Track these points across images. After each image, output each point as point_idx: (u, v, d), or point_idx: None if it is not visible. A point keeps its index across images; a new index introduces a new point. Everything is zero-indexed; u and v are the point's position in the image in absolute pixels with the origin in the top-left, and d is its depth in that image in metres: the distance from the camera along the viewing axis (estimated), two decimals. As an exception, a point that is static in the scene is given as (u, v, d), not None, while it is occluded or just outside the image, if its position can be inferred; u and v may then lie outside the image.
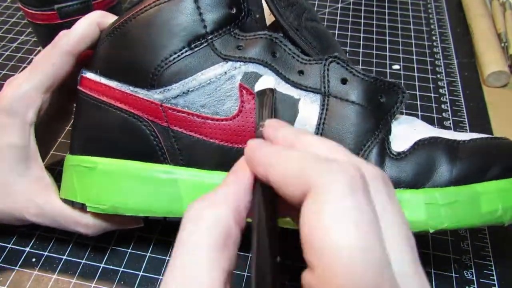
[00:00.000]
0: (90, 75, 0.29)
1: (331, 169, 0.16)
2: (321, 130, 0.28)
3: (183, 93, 0.27)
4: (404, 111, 0.40)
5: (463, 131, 0.42)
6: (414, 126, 0.30)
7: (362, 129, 0.28)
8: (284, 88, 0.28)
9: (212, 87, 0.27)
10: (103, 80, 0.29)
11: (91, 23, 0.29)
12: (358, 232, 0.15)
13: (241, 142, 0.28)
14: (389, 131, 0.28)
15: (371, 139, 0.28)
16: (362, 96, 0.28)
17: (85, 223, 0.30)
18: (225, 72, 0.27)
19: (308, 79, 0.28)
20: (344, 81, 0.28)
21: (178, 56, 0.27)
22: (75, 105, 0.31)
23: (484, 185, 0.27)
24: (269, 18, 0.30)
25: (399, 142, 0.28)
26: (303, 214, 0.16)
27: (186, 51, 0.27)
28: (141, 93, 0.28)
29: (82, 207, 0.29)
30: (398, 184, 0.27)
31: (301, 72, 0.28)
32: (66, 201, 0.30)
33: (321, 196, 0.16)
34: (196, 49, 0.28)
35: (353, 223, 0.15)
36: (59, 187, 0.31)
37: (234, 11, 0.28)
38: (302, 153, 0.18)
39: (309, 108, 0.28)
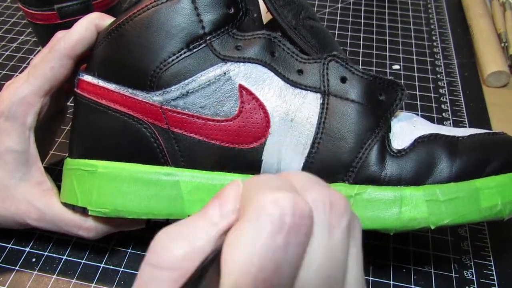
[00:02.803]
0: (87, 77, 0.29)
1: (266, 200, 0.15)
2: (322, 129, 0.28)
3: (183, 94, 0.27)
4: (404, 111, 0.40)
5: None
6: (413, 123, 0.30)
7: (362, 127, 0.28)
8: (284, 89, 0.28)
9: (212, 88, 0.27)
10: (101, 83, 0.29)
11: (89, 26, 0.29)
12: (252, 278, 0.15)
13: (242, 143, 0.28)
14: (389, 129, 0.28)
15: (371, 137, 0.28)
16: (361, 95, 0.28)
17: (87, 227, 0.30)
18: (224, 73, 0.27)
19: (307, 78, 0.28)
20: (343, 79, 0.28)
21: (177, 57, 0.27)
22: (72, 105, 0.31)
23: (483, 181, 0.27)
24: (265, 16, 0.30)
25: (399, 139, 0.28)
26: (231, 230, 0.16)
27: (184, 53, 0.27)
28: (140, 95, 0.28)
29: (83, 211, 0.29)
30: (399, 181, 0.27)
31: (300, 72, 0.28)
32: (67, 205, 0.30)
33: (244, 221, 0.15)
34: (194, 50, 0.27)
35: (254, 268, 0.15)
36: (59, 187, 0.31)
37: (232, 11, 0.28)
38: (273, 179, 0.17)
39: (309, 107, 0.28)
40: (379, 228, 0.27)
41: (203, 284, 0.15)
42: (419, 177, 0.27)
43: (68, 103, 0.36)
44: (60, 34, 0.30)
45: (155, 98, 0.28)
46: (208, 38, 0.27)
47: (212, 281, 0.15)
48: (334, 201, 0.17)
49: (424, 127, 0.29)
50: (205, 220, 0.17)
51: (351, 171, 0.27)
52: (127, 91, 0.28)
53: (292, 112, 0.28)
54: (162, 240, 0.17)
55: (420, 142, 0.28)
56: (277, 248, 0.15)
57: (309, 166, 0.28)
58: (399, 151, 0.28)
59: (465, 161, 0.28)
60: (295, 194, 0.16)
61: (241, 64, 0.27)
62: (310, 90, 0.28)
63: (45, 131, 0.33)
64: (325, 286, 0.16)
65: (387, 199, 0.27)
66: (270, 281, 0.15)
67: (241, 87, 0.27)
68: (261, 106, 0.27)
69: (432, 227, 0.27)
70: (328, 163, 0.28)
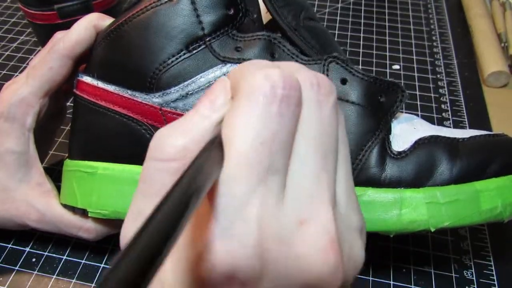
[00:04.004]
0: (86, 78, 0.29)
1: (256, 77, 0.17)
2: None
3: (182, 96, 0.27)
4: (404, 111, 0.40)
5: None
6: (413, 125, 0.30)
7: (362, 129, 0.28)
8: None
9: None
10: (100, 84, 0.29)
11: (88, 26, 0.29)
12: (251, 143, 0.16)
13: None
14: (389, 131, 0.28)
15: (371, 139, 0.28)
16: (362, 96, 0.28)
17: (87, 228, 0.30)
18: (224, 74, 0.27)
19: None
20: (344, 81, 0.28)
21: (177, 59, 0.27)
22: (72, 106, 0.31)
23: (483, 183, 0.27)
24: (265, 17, 0.30)
25: (400, 141, 0.28)
26: (227, 112, 0.17)
27: (184, 54, 0.27)
28: (140, 97, 0.28)
29: (83, 213, 0.29)
30: (399, 183, 0.27)
31: None
32: (66, 206, 0.30)
33: (238, 101, 0.17)
34: (194, 51, 0.27)
35: (252, 133, 0.16)
36: (59, 187, 0.31)
37: (231, 12, 0.28)
38: (259, 62, 0.18)
39: None
40: (379, 230, 0.27)
41: (207, 165, 0.15)
42: (419, 179, 0.27)
43: (68, 103, 0.36)
44: (59, 35, 0.30)
45: (155, 99, 0.28)
46: (207, 39, 0.27)
47: (215, 160, 0.16)
48: (321, 81, 0.18)
49: (425, 129, 0.29)
50: (198, 116, 0.18)
51: None
52: (126, 93, 0.28)
53: None
54: (160, 137, 0.18)
55: (421, 144, 0.28)
56: (272, 117, 0.16)
57: None
58: (399, 153, 0.28)
59: (466, 163, 0.27)
60: (283, 70, 0.17)
61: None
62: None
63: (44, 131, 0.33)
64: (319, 153, 0.17)
65: (387, 201, 0.27)
66: (268, 146, 0.16)
67: None
68: None
69: (432, 230, 0.27)
70: None
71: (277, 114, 0.16)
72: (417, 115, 0.44)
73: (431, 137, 0.28)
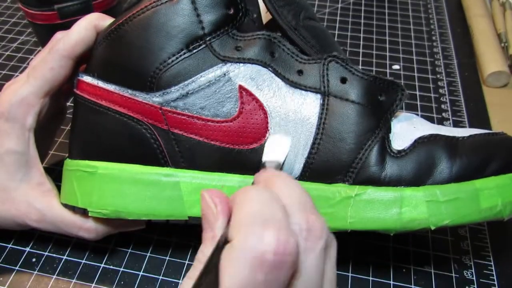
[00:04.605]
0: (87, 78, 0.29)
1: (249, 237, 0.16)
2: (322, 129, 0.28)
3: (183, 95, 0.27)
4: (404, 111, 0.40)
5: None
6: (413, 124, 0.30)
7: (362, 128, 0.28)
8: (284, 89, 0.28)
9: (212, 89, 0.27)
10: (101, 84, 0.29)
11: (88, 26, 0.29)
12: None
13: (242, 144, 0.28)
14: (389, 130, 0.28)
15: (371, 138, 0.28)
16: (361, 95, 0.28)
17: (87, 228, 0.30)
18: (224, 74, 0.27)
19: (307, 79, 0.28)
20: (343, 80, 0.28)
21: (177, 58, 0.27)
22: (72, 106, 0.31)
23: (483, 181, 0.27)
24: (265, 16, 0.30)
25: (399, 140, 0.28)
26: (222, 252, 0.17)
27: (184, 53, 0.27)
28: (140, 96, 0.28)
29: (83, 213, 0.29)
30: (399, 182, 0.27)
31: (300, 72, 0.28)
32: (67, 206, 0.30)
33: (231, 253, 0.16)
34: (194, 51, 0.27)
35: None
36: (59, 187, 0.31)
37: (231, 11, 0.28)
38: (258, 206, 0.18)
39: (309, 108, 0.28)
40: (379, 229, 0.27)
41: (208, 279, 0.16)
42: (419, 177, 0.27)
43: (68, 103, 0.36)
44: (59, 35, 0.30)
45: (155, 99, 0.28)
46: (208, 38, 0.27)
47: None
48: (312, 226, 0.18)
49: (424, 128, 0.29)
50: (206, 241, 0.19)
51: (351, 171, 0.27)
52: (127, 92, 0.28)
53: (292, 112, 0.28)
54: None
55: (420, 142, 0.28)
56: (256, 284, 0.16)
57: (309, 166, 0.28)
58: (399, 151, 0.28)
59: (465, 161, 0.27)
60: (280, 227, 0.16)
61: (241, 65, 0.27)
62: (310, 91, 0.28)
63: (44, 132, 0.33)
64: None
65: (387, 199, 0.27)
66: None
67: (241, 88, 0.27)
68: (261, 107, 0.27)
69: (432, 228, 0.27)
70: (328, 163, 0.28)
71: (264, 281, 0.16)
72: (417, 115, 0.44)
73: (431, 135, 0.28)
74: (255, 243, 0.16)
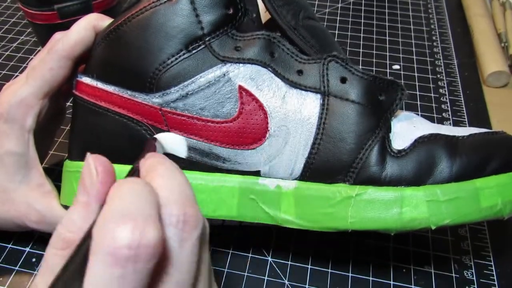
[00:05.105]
0: (86, 79, 0.29)
1: (104, 233, 0.16)
2: (322, 129, 0.28)
3: (182, 96, 0.27)
4: (403, 111, 0.40)
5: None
6: (413, 123, 0.30)
7: (362, 128, 0.28)
8: (284, 90, 0.28)
9: (212, 89, 0.27)
10: (100, 85, 0.28)
11: (87, 27, 0.29)
12: None
13: (242, 144, 0.28)
14: (389, 129, 0.28)
15: (371, 137, 0.28)
16: (361, 95, 0.28)
17: None
18: (224, 74, 0.27)
19: (307, 79, 0.28)
20: (343, 80, 0.28)
21: (176, 59, 0.27)
22: (71, 106, 0.31)
23: (483, 181, 0.27)
24: (264, 16, 0.30)
25: (399, 140, 0.28)
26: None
27: (184, 54, 0.27)
28: (140, 97, 0.28)
29: None
30: (399, 181, 0.27)
31: (300, 72, 0.28)
32: (66, 207, 0.30)
33: (92, 249, 0.17)
34: (193, 51, 0.27)
35: None
36: (59, 187, 0.31)
37: (231, 11, 0.28)
38: (125, 202, 0.18)
39: (309, 108, 0.28)
40: (380, 228, 0.27)
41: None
42: (420, 177, 0.27)
43: (68, 104, 0.36)
44: (58, 35, 0.30)
45: (155, 100, 0.28)
46: (207, 39, 0.27)
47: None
48: (188, 217, 0.18)
49: (424, 127, 0.29)
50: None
51: (351, 171, 0.27)
52: (126, 93, 0.28)
53: (292, 113, 0.28)
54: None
55: (420, 142, 0.28)
56: (115, 279, 0.16)
57: (310, 166, 0.28)
58: (399, 151, 0.28)
59: (465, 161, 0.27)
60: (138, 220, 0.17)
61: (241, 65, 0.27)
62: (310, 91, 0.28)
63: (44, 132, 0.33)
64: None
65: (387, 199, 0.27)
66: None
67: (241, 88, 0.27)
68: (261, 107, 0.27)
69: (433, 228, 0.27)
70: (329, 163, 0.28)
71: (118, 277, 0.16)
72: (417, 115, 0.44)
73: (431, 135, 0.28)
74: (108, 240, 0.16)
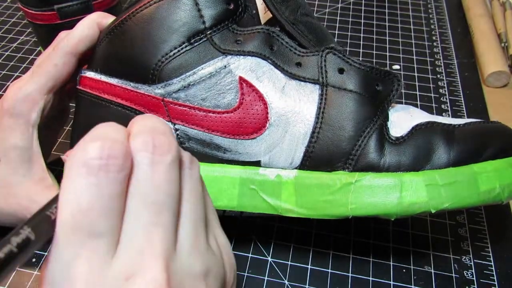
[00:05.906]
0: (89, 73, 0.30)
1: (75, 150, 0.18)
2: (321, 119, 0.28)
3: (184, 87, 0.28)
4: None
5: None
6: (410, 113, 0.30)
7: (360, 116, 0.28)
8: (283, 81, 0.28)
9: (213, 80, 0.28)
10: (103, 78, 0.29)
11: (91, 24, 0.30)
12: (71, 212, 0.17)
13: (243, 134, 0.28)
14: (387, 118, 0.29)
15: (370, 125, 0.28)
16: (359, 85, 0.29)
17: None
18: (225, 66, 0.28)
19: (306, 71, 0.29)
20: (341, 71, 0.29)
21: (178, 51, 0.28)
22: (74, 106, 0.31)
23: (481, 165, 0.27)
24: (264, 16, 0.30)
25: (397, 127, 0.29)
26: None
27: (186, 46, 0.28)
28: (142, 88, 0.28)
29: None
30: (398, 168, 0.27)
31: (299, 64, 0.29)
32: None
33: (65, 171, 0.18)
34: (195, 44, 0.28)
35: (71, 205, 0.18)
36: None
37: (231, 6, 0.28)
38: (100, 129, 0.19)
39: (308, 98, 0.28)
40: (380, 213, 0.27)
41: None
42: (418, 163, 0.27)
43: (70, 104, 0.36)
44: (63, 34, 0.31)
45: (157, 90, 0.28)
46: (208, 32, 0.28)
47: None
48: (158, 142, 0.19)
49: (421, 116, 0.30)
50: None
51: (350, 159, 0.28)
52: (129, 85, 0.28)
53: (291, 103, 0.28)
54: None
55: (418, 129, 0.28)
56: (88, 187, 0.17)
57: (309, 155, 0.28)
58: (397, 138, 0.28)
59: (463, 146, 0.28)
60: (106, 138, 0.18)
61: (241, 57, 0.28)
62: (309, 82, 0.28)
63: (47, 130, 0.33)
64: (152, 210, 0.19)
65: (387, 185, 0.27)
66: (87, 214, 0.17)
67: (242, 79, 0.28)
68: (261, 98, 0.28)
69: (433, 211, 0.27)
70: (328, 151, 0.28)
71: (93, 184, 0.17)
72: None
73: (428, 123, 0.29)
74: (80, 153, 0.18)
